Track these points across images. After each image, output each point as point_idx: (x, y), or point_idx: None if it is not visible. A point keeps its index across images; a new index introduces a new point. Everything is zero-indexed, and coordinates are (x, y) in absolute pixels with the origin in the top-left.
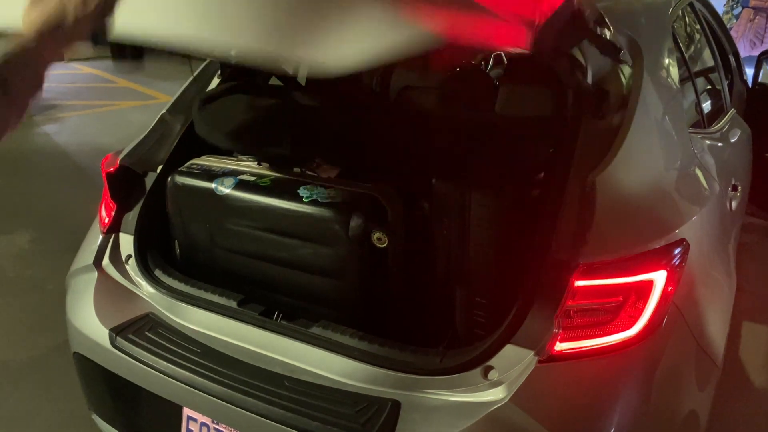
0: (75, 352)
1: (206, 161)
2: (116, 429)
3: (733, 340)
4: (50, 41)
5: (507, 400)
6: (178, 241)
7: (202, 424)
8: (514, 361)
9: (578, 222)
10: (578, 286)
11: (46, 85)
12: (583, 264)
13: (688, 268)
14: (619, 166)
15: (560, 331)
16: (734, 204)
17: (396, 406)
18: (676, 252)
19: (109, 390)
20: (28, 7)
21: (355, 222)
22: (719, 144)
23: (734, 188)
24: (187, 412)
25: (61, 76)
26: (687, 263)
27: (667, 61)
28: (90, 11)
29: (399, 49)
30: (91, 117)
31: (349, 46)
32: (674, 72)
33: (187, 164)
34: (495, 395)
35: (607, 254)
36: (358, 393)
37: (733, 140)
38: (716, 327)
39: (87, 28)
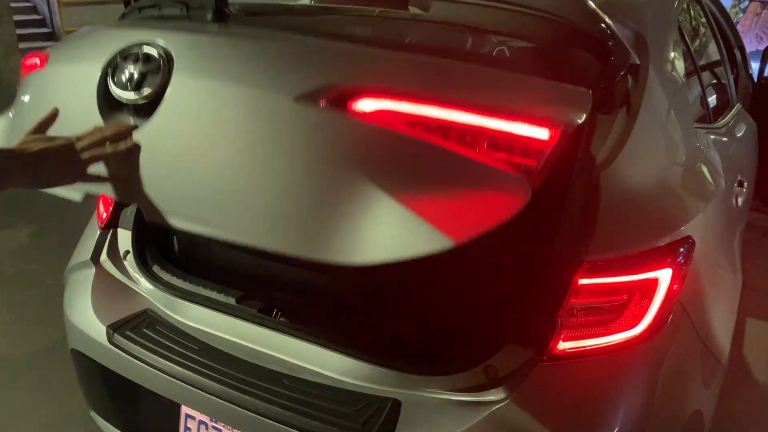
0: (72, 349)
1: None
2: (115, 427)
3: (737, 337)
4: (22, 168)
5: (509, 400)
6: (176, 237)
7: (201, 422)
8: (516, 361)
9: (582, 219)
10: (582, 285)
11: None
12: (587, 262)
13: (693, 265)
14: (624, 161)
15: (563, 330)
16: (740, 200)
17: (396, 405)
18: (682, 250)
19: (107, 387)
20: (28, 135)
21: None
22: (725, 139)
23: (740, 184)
24: (185, 410)
25: None
26: (692, 261)
27: (672, 54)
28: (67, 169)
29: (414, 253)
30: None
31: (365, 251)
32: (680, 66)
33: None
34: (496, 395)
35: (611, 252)
36: (358, 392)
37: (738, 135)
38: (721, 325)
39: (64, 178)
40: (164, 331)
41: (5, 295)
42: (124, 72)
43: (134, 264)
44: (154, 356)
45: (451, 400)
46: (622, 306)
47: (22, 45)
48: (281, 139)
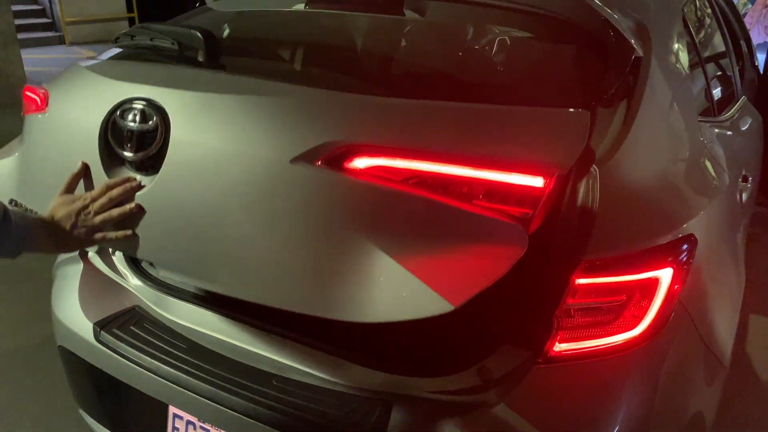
0: (60, 346)
1: None
2: (103, 425)
3: (740, 334)
4: (48, 235)
5: (503, 402)
6: None
7: (188, 422)
8: (511, 362)
9: (580, 216)
10: (579, 284)
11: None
12: (584, 261)
13: (695, 264)
14: (625, 156)
15: (560, 331)
16: (744, 196)
17: (387, 407)
18: (684, 248)
19: (95, 386)
20: (57, 197)
21: None
22: (729, 133)
23: (745, 179)
24: (173, 410)
25: (61, 61)
26: (694, 260)
27: (676, 46)
28: (83, 233)
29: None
30: None
31: (363, 311)
32: (684, 57)
33: None
34: (490, 397)
35: (610, 250)
36: (348, 393)
37: (743, 129)
38: (724, 326)
39: (80, 243)
40: (152, 328)
41: (1, 288)
42: (122, 130)
43: (123, 259)
44: (142, 355)
45: (444, 401)
46: (621, 306)
47: (22, 35)
48: (280, 199)
